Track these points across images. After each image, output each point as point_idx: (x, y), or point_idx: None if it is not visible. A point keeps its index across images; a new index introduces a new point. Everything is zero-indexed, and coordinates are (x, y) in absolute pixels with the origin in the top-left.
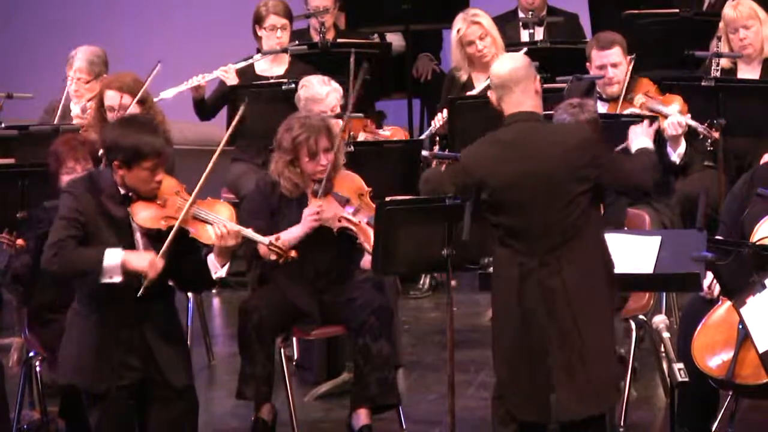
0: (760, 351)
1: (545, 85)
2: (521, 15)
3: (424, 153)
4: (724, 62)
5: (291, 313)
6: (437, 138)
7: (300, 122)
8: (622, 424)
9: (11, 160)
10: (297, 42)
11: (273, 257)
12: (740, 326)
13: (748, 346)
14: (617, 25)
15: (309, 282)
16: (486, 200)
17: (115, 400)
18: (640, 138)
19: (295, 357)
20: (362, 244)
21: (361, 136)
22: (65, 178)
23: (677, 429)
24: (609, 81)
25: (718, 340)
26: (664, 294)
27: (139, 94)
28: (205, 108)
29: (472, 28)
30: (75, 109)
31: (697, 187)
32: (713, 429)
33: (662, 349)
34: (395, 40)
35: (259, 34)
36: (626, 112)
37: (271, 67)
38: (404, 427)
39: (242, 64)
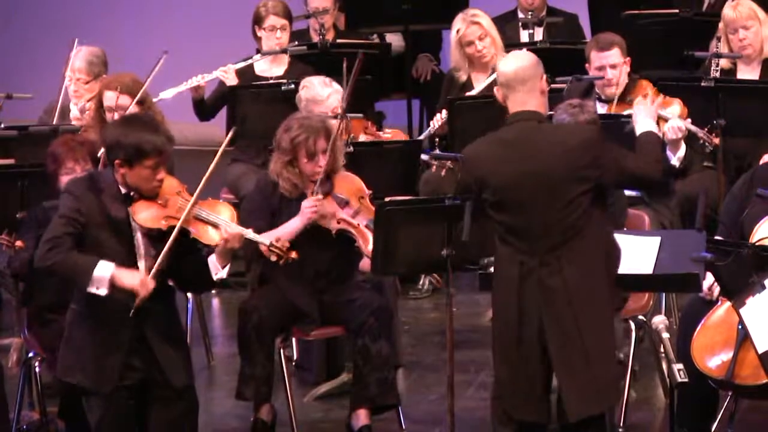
0: (760, 351)
1: None
2: (521, 15)
3: (424, 157)
4: (724, 63)
5: (290, 314)
6: (437, 139)
7: (299, 123)
8: (621, 424)
9: (11, 161)
10: (296, 42)
11: (273, 258)
12: (740, 327)
13: (747, 347)
14: (617, 26)
15: (309, 282)
16: (487, 199)
17: (116, 400)
18: (643, 120)
19: (295, 357)
20: (360, 247)
21: (362, 138)
22: (64, 179)
23: (677, 429)
24: (608, 82)
25: (718, 341)
26: (664, 294)
27: (145, 86)
28: (204, 108)
29: (471, 28)
30: (74, 110)
31: (697, 188)
32: (713, 429)
33: (662, 349)
34: (395, 40)
35: (259, 34)
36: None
37: (270, 68)
38: (404, 427)
39: (242, 64)
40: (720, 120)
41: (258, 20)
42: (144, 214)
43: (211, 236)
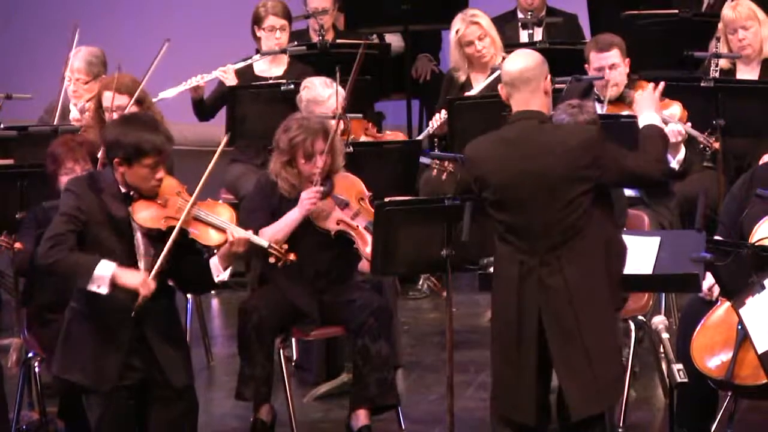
0: (759, 352)
1: None
2: (520, 15)
3: (424, 160)
4: (723, 63)
5: (290, 314)
6: (436, 139)
7: (298, 123)
8: (621, 424)
9: (10, 161)
10: (296, 43)
11: (271, 260)
12: (739, 327)
13: (747, 347)
14: (616, 26)
15: (309, 282)
16: (487, 198)
17: (115, 400)
18: (646, 112)
19: (295, 358)
20: (358, 249)
21: (362, 139)
22: (64, 179)
23: (676, 429)
24: (607, 83)
25: (717, 341)
26: (663, 295)
27: (147, 76)
28: (204, 108)
29: (471, 28)
30: (74, 111)
31: (697, 188)
32: (712, 430)
33: (661, 349)
34: (394, 40)
35: (258, 34)
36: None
37: (270, 68)
38: (403, 427)
39: (241, 64)
40: (719, 120)
41: (257, 20)
42: (143, 214)
43: (210, 237)
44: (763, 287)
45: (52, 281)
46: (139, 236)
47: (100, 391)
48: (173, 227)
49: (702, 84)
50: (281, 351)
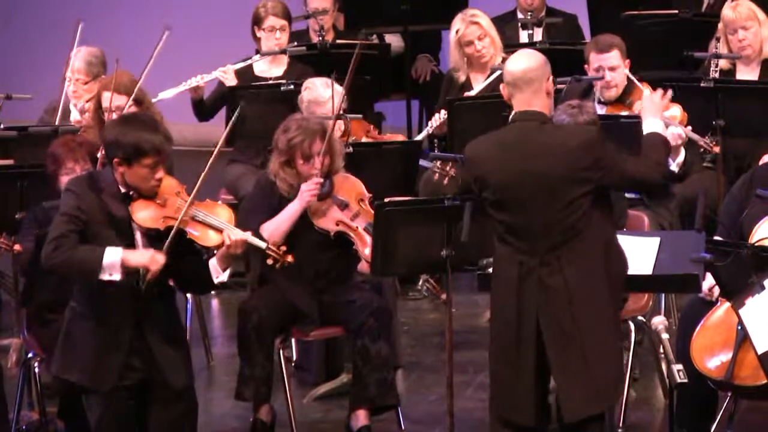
0: (759, 352)
1: None
2: (520, 16)
3: (426, 164)
4: (723, 63)
5: (290, 314)
6: (435, 140)
7: (297, 124)
8: (621, 424)
9: (10, 161)
10: (296, 43)
11: (269, 261)
12: (739, 327)
13: (746, 347)
14: (616, 26)
15: (309, 282)
16: (487, 198)
17: (115, 400)
18: (649, 119)
19: (294, 358)
20: (357, 250)
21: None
22: (64, 179)
23: (676, 430)
24: (607, 84)
25: (717, 342)
26: (663, 295)
27: (148, 67)
28: (203, 109)
29: (471, 28)
30: (74, 112)
31: (696, 189)
32: (712, 430)
33: (661, 350)
34: (394, 41)
35: (258, 35)
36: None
37: (269, 68)
38: (403, 427)
39: (241, 65)
40: (719, 120)
41: (257, 21)
42: (142, 214)
43: (208, 238)
44: (762, 288)
45: (52, 280)
46: (138, 236)
47: (100, 392)
48: (172, 227)
49: (702, 84)
50: (281, 351)
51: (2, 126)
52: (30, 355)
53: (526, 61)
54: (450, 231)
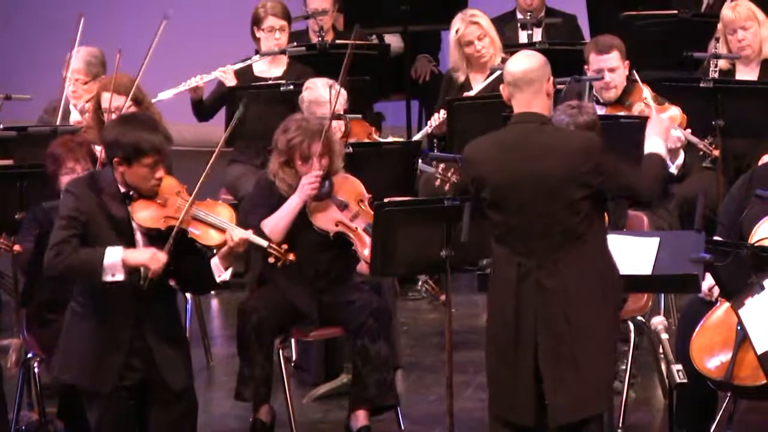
0: (759, 352)
1: None
2: (519, 16)
3: (427, 169)
4: (723, 63)
5: (290, 314)
6: (435, 140)
7: (297, 125)
8: (620, 425)
9: (10, 161)
10: (295, 43)
11: (271, 260)
12: (739, 327)
13: (746, 348)
14: (615, 27)
15: (308, 283)
16: (485, 198)
17: (115, 401)
18: (653, 138)
19: (294, 358)
20: (356, 251)
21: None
22: (64, 179)
23: (676, 430)
24: (606, 85)
25: (717, 342)
26: (663, 295)
27: (147, 59)
28: (203, 109)
29: (470, 28)
30: (74, 113)
31: (696, 189)
32: (711, 430)
33: (661, 350)
34: (394, 41)
35: (258, 35)
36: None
37: (269, 69)
38: (403, 428)
39: (241, 65)
40: (719, 121)
41: (257, 21)
42: (143, 213)
43: (210, 237)
44: (762, 288)
45: (52, 281)
46: (139, 236)
47: (100, 393)
48: (172, 227)
49: (701, 85)
50: (281, 351)
51: (2, 126)
52: (30, 355)
53: (527, 62)
54: (450, 231)
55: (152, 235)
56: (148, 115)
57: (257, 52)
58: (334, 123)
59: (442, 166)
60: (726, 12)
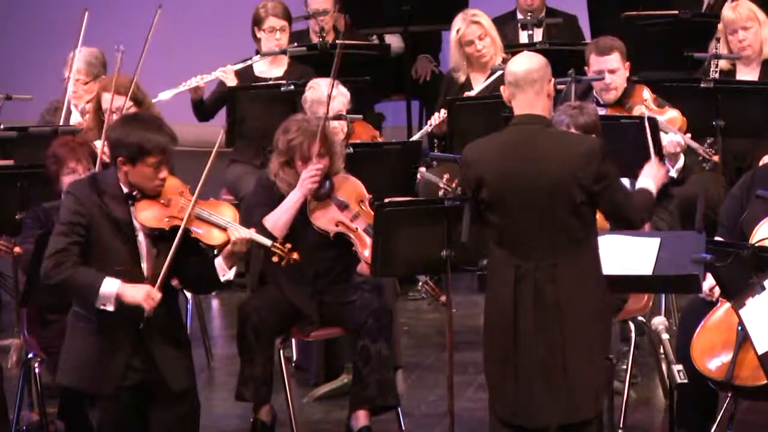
0: (759, 352)
1: None
2: (520, 16)
3: (429, 177)
4: (723, 63)
5: (290, 315)
6: (436, 140)
7: (297, 125)
8: (621, 425)
9: (10, 161)
10: (296, 44)
11: (275, 259)
12: (739, 328)
13: (747, 348)
14: (616, 27)
15: (309, 283)
16: (484, 199)
17: (117, 401)
18: (647, 179)
19: (294, 358)
20: (357, 251)
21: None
22: (66, 179)
23: (676, 430)
24: (606, 87)
25: (717, 342)
26: (663, 295)
27: (144, 52)
28: (203, 109)
29: (471, 27)
30: (74, 114)
31: (696, 190)
32: (712, 430)
33: (661, 350)
34: (394, 41)
35: (258, 35)
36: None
37: (270, 69)
38: (403, 428)
39: (241, 65)
40: (719, 121)
41: (257, 21)
42: (146, 214)
43: (213, 236)
44: (763, 288)
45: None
46: (141, 237)
47: (103, 395)
48: (176, 227)
49: (702, 85)
50: (281, 351)
51: (2, 126)
52: (30, 355)
53: (528, 62)
54: (450, 232)
55: (155, 235)
56: (153, 115)
57: (258, 52)
58: (336, 123)
59: (446, 176)
60: (726, 12)
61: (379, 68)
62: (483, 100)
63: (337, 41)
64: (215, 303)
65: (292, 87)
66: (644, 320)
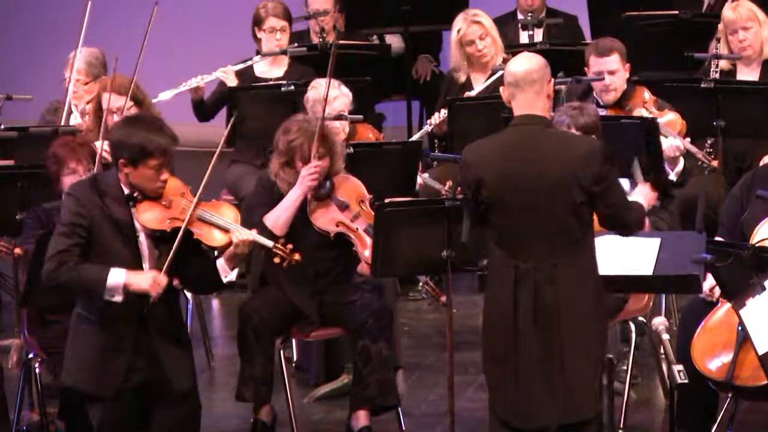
0: (760, 353)
1: None
2: (520, 16)
3: (431, 183)
4: (724, 64)
5: (290, 315)
6: (436, 140)
7: (298, 125)
8: (621, 425)
9: (10, 162)
10: (296, 44)
11: (276, 260)
12: (740, 328)
13: (747, 348)
14: (616, 27)
15: (309, 283)
16: (484, 200)
17: (118, 402)
18: (639, 196)
19: (295, 358)
20: (357, 251)
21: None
22: (66, 180)
23: (677, 431)
24: (605, 88)
25: (718, 342)
26: (664, 296)
27: (143, 49)
28: (204, 109)
29: (472, 27)
30: (75, 115)
31: (697, 190)
32: (712, 431)
33: (662, 350)
34: (395, 41)
35: (259, 36)
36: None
37: (270, 69)
38: (404, 428)
39: (241, 65)
40: (720, 121)
41: (258, 22)
42: (148, 215)
43: (215, 238)
44: (763, 288)
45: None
46: (143, 238)
47: (106, 397)
48: (177, 228)
49: (702, 85)
50: (281, 352)
51: (2, 126)
52: (30, 355)
53: (528, 63)
54: (450, 232)
55: (156, 236)
56: (154, 116)
57: (258, 52)
58: (337, 123)
59: (449, 183)
60: (727, 12)
61: (379, 68)
62: (483, 100)
63: (331, 41)
64: (216, 303)
65: (293, 87)
66: (644, 320)
